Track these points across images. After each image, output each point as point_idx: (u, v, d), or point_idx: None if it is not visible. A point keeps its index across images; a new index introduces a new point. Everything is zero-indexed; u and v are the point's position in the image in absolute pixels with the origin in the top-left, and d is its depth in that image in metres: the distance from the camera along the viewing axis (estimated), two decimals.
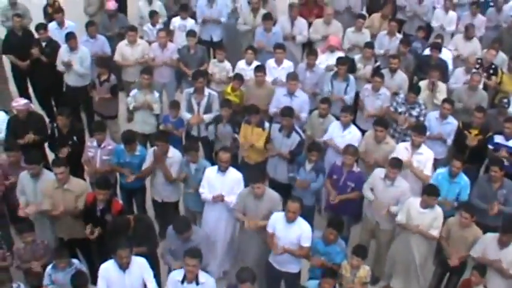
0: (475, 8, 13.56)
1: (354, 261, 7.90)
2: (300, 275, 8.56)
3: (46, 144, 10.23)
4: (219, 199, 8.76)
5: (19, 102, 10.08)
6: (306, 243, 8.02)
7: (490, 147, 9.95)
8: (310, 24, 13.07)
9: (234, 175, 8.90)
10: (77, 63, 11.48)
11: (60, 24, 12.52)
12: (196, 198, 9.13)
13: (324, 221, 9.07)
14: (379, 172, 9.02)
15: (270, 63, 11.51)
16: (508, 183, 9.11)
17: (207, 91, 10.59)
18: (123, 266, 7.24)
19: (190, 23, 12.88)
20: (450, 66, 12.13)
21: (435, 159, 9.71)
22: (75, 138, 9.88)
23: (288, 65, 11.51)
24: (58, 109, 11.10)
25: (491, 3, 14.29)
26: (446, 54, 12.23)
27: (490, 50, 12.10)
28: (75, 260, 8.08)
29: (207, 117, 10.47)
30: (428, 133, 9.85)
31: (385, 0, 13.87)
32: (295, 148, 9.67)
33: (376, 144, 9.63)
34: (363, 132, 10.25)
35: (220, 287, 8.62)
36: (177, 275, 7.38)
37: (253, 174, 8.79)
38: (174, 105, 10.60)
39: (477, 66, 11.82)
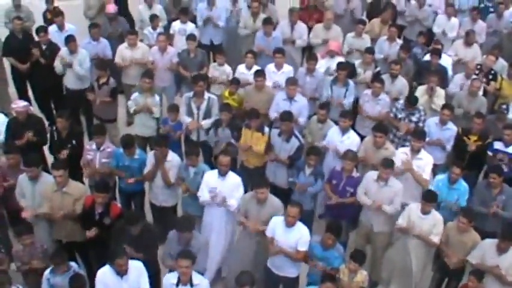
0: (475, 14, 13.58)
1: (351, 265, 7.89)
2: (298, 280, 8.56)
3: (45, 147, 10.21)
4: (221, 201, 8.71)
5: (18, 104, 10.09)
6: (303, 248, 8.02)
7: (489, 153, 9.95)
8: (310, 29, 13.10)
9: (234, 179, 8.89)
10: (76, 65, 11.49)
11: (61, 27, 12.52)
12: (195, 202, 9.11)
13: (322, 225, 9.07)
14: (372, 174, 9.03)
15: (270, 67, 11.51)
16: (508, 189, 9.10)
17: (206, 95, 10.59)
18: (121, 273, 7.25)
19: (190, 26, 12.88)
20: (450, 72, 12.14)
21: (434, 165, 9.71)
22: (74, 141, 9.87)
23: (287, 69, 11.52)
24: (58, 112, 11.12)
25: (492, 9, 14.31)
26: (446, 60, 12.23)
27: (489, 55, 12.09)
28: (73, 263, 8.06)
29: (206, 123, 10.47)
30: (427, 139, 9.85)
31: (385, 5, 13.90)
32: (294, 153, 9.67)
33: (376, 150, 9.62)
34: (362, 137, 10.23)
35: None
36: (172, 278, 7.36)
37: (258, 179, 8.84)
38: (173, 108, 10.58)
39: (476, 72, 11.83)
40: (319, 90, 11.36)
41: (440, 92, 11.10)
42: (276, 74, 11.42)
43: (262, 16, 12.94)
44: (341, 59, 12.01)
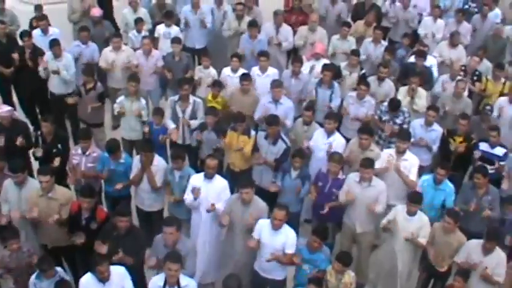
0: (460, 15, 13.64)
1: (337, 266, 7.87)
2: (285, 282, 8.56)
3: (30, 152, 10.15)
4: (211, 209, 8.62)
5: (3, 109, 10.02)
6: (290, 250, 8.01)
7: (475, 154, 9.98)
8: (295, 32, 13.11)
9: (220, 182, 8.87)
10: (62, 70, 11.44)
11: (44, 31, 12.43)
12: (181, 206, 9.10)
13: (309, 228, 9.08)
14: (353, 176, 9.05)
15: (255, 70, 11.51)
16: (493, 189, 9.15)
17: (192, 98, 10.58)
18: (103, 279, 7.24)
19: (175, 30, 12.85)
20: (435, 74, 12.19)
21: (420, 166, 9.73)
22: (59, 146, 9.82)
23: (272, 72, 11.51)
24: (42, 116, 11.03)
25: (476, 10, 14.39)
26: (431, 61, 12.28)
27: (474, 57, 12.16)
28: (59, 269, 8.01)
29: (193, 123, 10.46)
30: (412, 140, 9.88)
31: (369, 7, 13.94)
32: (281, 156, 9.68)
33: (361, 152, 9.62)
34: (347, 140, 10.22)
35: None
36: (158, 280, 7.32)
37: (242, 179, 8.84)
38: (158, 112, 10.50)
39: (461, 73, 11.88)
40: (305, 91, 11.38)
41: (421, 92, 11.14)
42: (261, 77, 11.42)
43: (247, 19, 12.94)
44: (326, 61, 12.03)
